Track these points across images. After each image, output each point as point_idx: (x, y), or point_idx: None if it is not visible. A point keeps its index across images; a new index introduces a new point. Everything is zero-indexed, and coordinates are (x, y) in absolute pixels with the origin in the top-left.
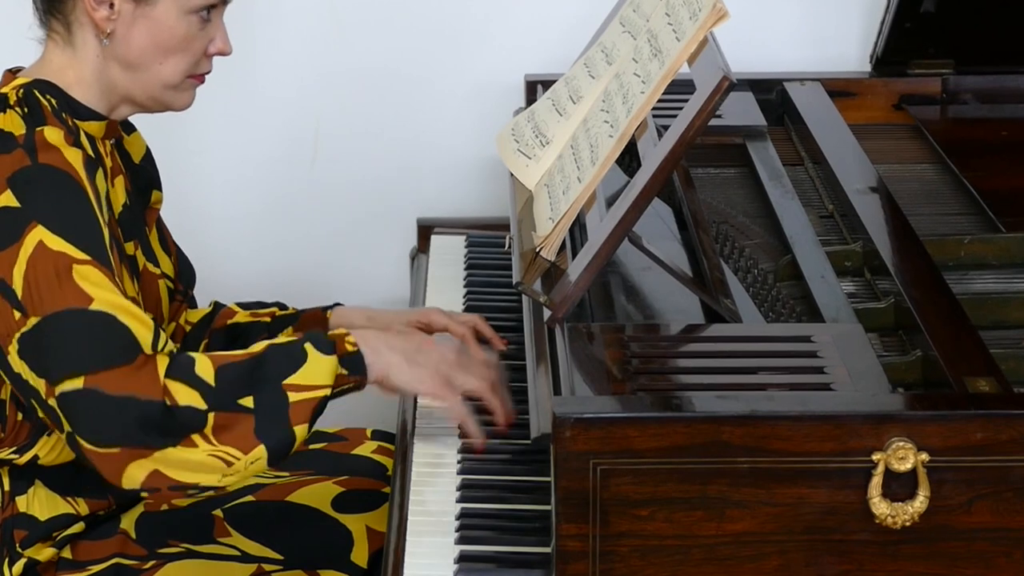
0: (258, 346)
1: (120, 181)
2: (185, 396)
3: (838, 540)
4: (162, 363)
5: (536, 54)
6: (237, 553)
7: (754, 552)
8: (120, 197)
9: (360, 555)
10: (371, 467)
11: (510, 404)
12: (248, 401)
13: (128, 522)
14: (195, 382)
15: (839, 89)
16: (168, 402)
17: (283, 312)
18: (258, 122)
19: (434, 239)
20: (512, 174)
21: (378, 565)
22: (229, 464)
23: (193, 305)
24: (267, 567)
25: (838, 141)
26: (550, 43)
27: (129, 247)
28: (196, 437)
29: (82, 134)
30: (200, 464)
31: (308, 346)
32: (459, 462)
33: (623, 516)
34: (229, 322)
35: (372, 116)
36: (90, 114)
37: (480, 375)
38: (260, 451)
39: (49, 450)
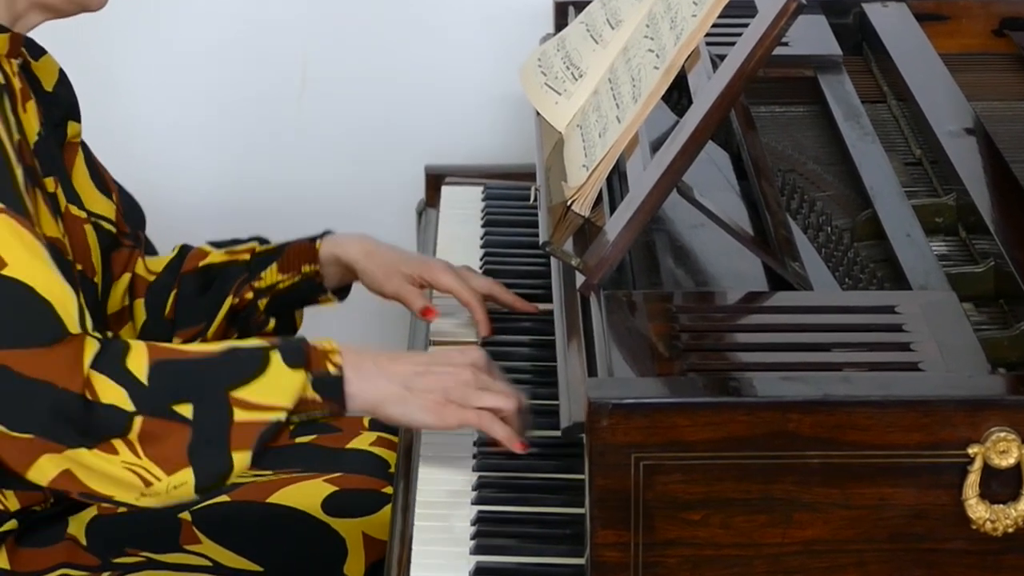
0: (215, 344)
1: (32, 107)
2: (109, 393)
3: (927, 549)
4: (89, 349)
5: None
6: (208, 563)
7: (827, 563)
8: (34, 125)
9: (355, 567)
10: (369, 463)
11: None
12: (185, 410)
13: (77, 526)
14: (123, 377)
15: (928, 12)
16: (89, 396)
17: (264, 248)
18: (233, 49)
19: (445, 191)
20: (538, 113)
21: None
22: (148, 484)
23: (152, 252)
24: None
25: (927, 74)
26: None
27: (49, 183)
28: (117, 443)
29: None
30: (115, 478)
31: (273, 354)
32: (475, 456)
33: (671, 521)
34: (201, 264)
35: (371, 43)
36: None
37: (504, 390)
38: (186, 475)
39: None
